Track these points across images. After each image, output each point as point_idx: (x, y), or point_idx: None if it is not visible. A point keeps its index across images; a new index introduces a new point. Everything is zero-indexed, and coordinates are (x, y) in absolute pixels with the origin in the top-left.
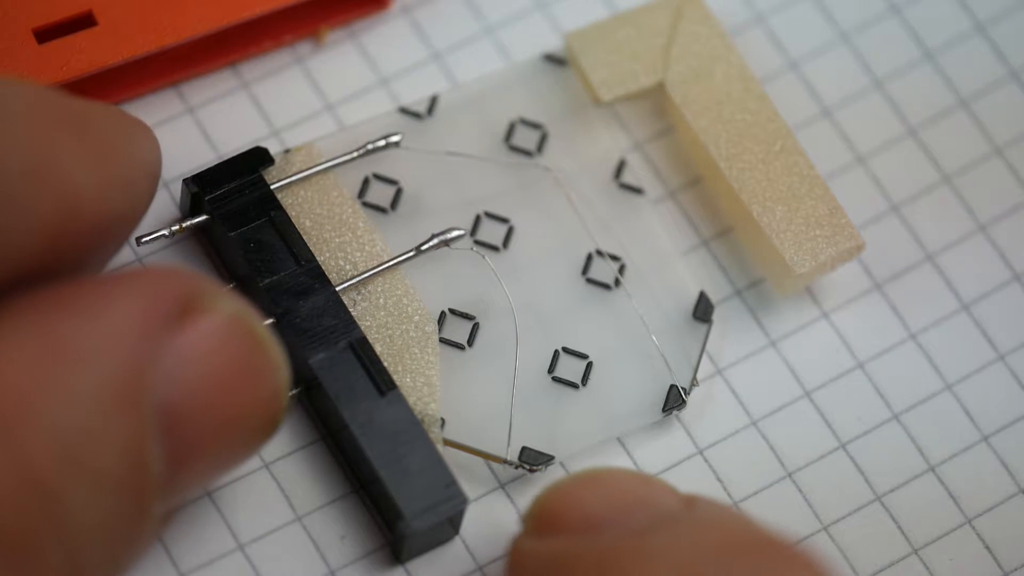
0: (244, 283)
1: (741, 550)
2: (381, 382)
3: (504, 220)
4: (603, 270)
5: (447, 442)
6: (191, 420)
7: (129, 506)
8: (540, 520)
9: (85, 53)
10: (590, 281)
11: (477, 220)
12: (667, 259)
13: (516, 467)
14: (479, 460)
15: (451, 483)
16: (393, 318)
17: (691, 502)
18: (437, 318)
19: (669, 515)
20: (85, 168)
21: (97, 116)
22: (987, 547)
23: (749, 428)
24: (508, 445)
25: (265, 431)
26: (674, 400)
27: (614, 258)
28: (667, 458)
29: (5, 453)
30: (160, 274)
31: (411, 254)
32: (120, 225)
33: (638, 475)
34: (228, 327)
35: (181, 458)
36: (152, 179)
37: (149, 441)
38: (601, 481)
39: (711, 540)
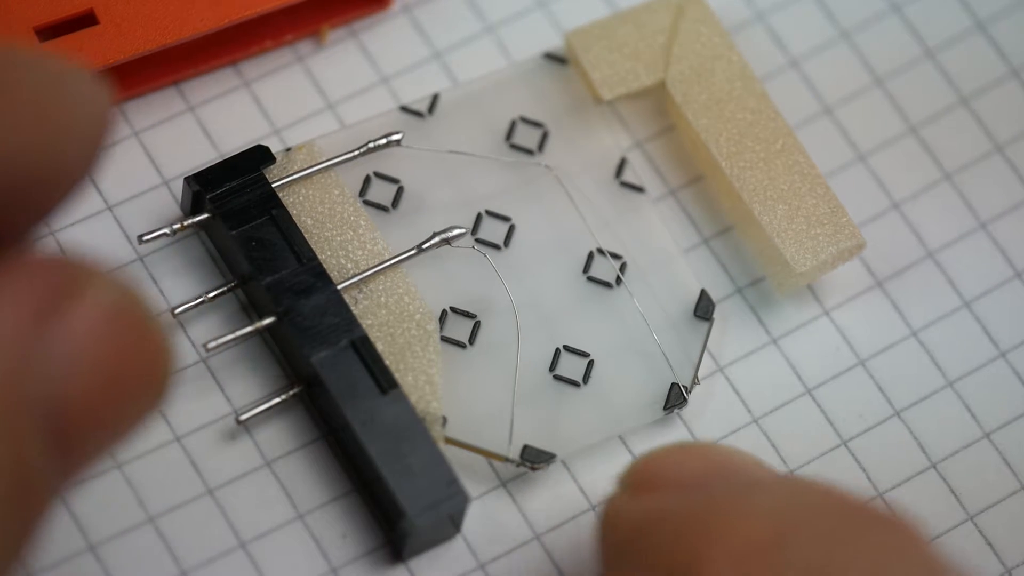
0: (245, 281)
1: (840, 508)
2: (383, 380)
3: (505, 218)
4: (604, 268)
5: (448, 440)
6: (77, 411)
7: (14, 515)
8: (638, 479)
9: (86, 52)
10: (591, 279)
11: (478, 218)
12: (668, 257)
13: (517, 465)
14: (480, 458)
15: (453, 481)
16: (394, 316)
17: (788, 476)
18: (438, 316)
19: (765, 480)
20: None
21: (8, 61)
22: (989, 544)
23: (750, 426)
24: (509, 443)
25: (154, 404)
26: (675, 398)
27: (615, 256)
28: None
29: None
30: (29, 266)
31: (412, 252)
32: (38, 186)
33: (736, 449)
34: (109, 311)
35: (69, 448)
36: (83, 132)
37: (33, 446)
38: (700, 448)
39: (809, 500)
